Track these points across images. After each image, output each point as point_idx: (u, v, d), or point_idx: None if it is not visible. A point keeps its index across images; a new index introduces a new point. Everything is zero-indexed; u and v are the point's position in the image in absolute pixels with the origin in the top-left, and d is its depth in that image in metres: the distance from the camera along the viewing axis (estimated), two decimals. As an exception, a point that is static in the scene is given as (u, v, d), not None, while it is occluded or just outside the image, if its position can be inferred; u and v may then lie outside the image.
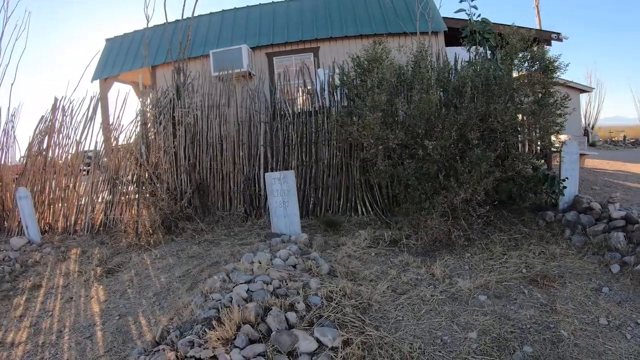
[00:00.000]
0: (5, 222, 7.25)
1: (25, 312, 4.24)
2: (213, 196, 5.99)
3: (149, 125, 6.03)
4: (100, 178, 6.40)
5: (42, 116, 6.85)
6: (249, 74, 6.96)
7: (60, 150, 6.63)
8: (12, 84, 7.21)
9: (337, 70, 6.06)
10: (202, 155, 5.96)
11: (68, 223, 6.58)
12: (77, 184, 6.59)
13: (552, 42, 7.86)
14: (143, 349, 2.81)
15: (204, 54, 7.22)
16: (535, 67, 5.19)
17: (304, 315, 2.86)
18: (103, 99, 7.55)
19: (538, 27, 13.11)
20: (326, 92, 5.98)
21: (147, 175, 5.90)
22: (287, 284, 3.34)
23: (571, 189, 5.14)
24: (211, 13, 8.49)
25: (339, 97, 5.94)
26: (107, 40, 8.90)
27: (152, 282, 4.61)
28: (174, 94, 6.02)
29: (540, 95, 5.20)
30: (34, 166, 6.81)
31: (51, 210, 6.75)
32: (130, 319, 3.85)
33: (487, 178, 4.43)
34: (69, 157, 6.60)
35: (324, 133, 5.86)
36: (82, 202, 6.54)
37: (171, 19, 8.22)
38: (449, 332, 2.79)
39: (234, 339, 2.54)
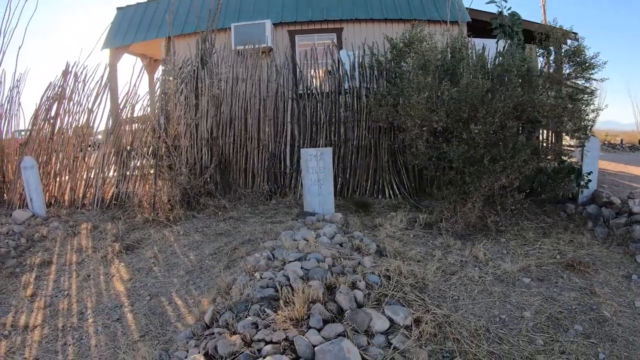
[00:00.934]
0: (5, 195, 6.59)
1: (37, 291, 3.72)
2: (235, 172, 5.55)
3: (169, 95, 5.54)
4: (112, 149, 5.86)
5: (51, 82, 6.20)
6: (270, 50, 6.54)
7: (70, 119, 6.03)
8: (19, 47, 6.49)
9: (366, 51, 5.76)
10: (226, 129, 5.51)
11: (76, 196, 5.98)
12: (87, 155, 6.03)
13: (568, 41, 7.76)
14: (191, 333, 2.48)
15: (224, 27, 6.72)
16: (572, 63, 5.09)
17: (369, 294, 2.66)
18: (112, 68, 6.95)
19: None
20: (357, 72, 5.66)
21: (165, 147, 5.42)
22: (341, 262, 3.10)
23: (592, 183, 5.11)
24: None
25: (369, 78, 5.64)
26: (119, 9, 8.24)
27: (180, 259, 4.17)
28: (197, 64, 5.56)
29: (573, 90, 5.11)
30: (40, 135, 6.20)
31: (57, 182, 6.15)
32: (164, 299, 3.39)
33: (528, 165, 4.32)
34: (79, 126, 6.02)
35: (352, 113, 5.55)
36: (92, 175, 5.98)
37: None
38: (504, 311, 2.77)
39: (305, 319, 2.28)
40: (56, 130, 6.07)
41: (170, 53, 5.50)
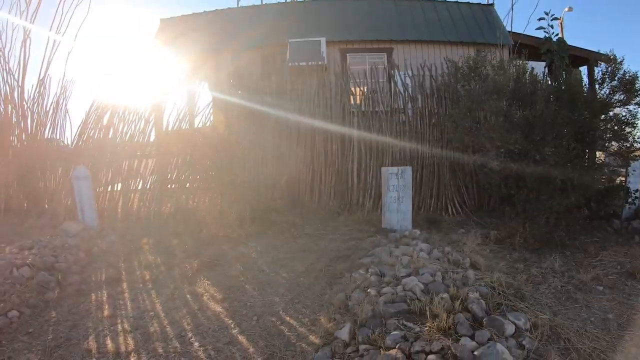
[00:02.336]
0: (46, 204, 6.01)
1: (115, 312, 3.21)
2: (301, 189, 5.29)
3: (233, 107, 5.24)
4: (173, 161, 5.46)
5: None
6: (325, 67, 6.33)
7: (126, 127, 5.57)
8: (69, 52, 5.99)
9: (424, 72, 5.66)
10: (294, 145, 5.24)
11: (130, 209, 5.54)
12: (143, 166, 5.58)
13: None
14: (331, 352, 2.38)
15: (283, 42, 6.43)
16: (625, 90, 5.22)
17: (487, 303, 2.75)
18: None
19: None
20: (418, 92, 5.55)
21: (227, 161, 5.10)
22: (450, 275, 3.13)
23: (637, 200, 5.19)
24: (285, 2, 7.70)
25: (430, 99, 5.55)
26: (162, 20, 7.82)
27: (272, 277, 3.82)
28: (261, 78, 5.29)
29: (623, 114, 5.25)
30: (90, 143, 5.71)
31: (107, 193, 5.66)
32: (274, 319, 3.01)
33: (594, 185, 4.48)
34: (134, 135, 5.57)
35: (416, 132, 5.42)
36: (148, 186, 5.54)
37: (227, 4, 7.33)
38: (591, 314, 2.95)
39: (450, 328, 2.36)
40: (110, 137, 5.59)
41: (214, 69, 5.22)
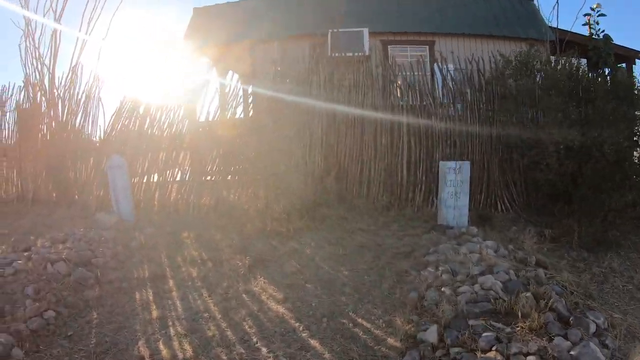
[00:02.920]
0: (76, 195, 5.69)
1: (165, 313, 2.91)
2: (349, 182, 5.00)
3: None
4: (213, 152, 5.15)
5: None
6: (367, 58, 6.04)
7: (164, 116, 5.25)
8: (103, 39, 5.66)
9: (470, 66, 5.40)
10: (342, 137, 4.95)
11: (167, 201, 5.22)
12: (182, 157, 5.26)
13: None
14: (420, 355, 2.23)
15: (319, 32, 6.13)
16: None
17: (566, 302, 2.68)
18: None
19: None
20: (467, 87, 5.29)
21: (277, 152, 4.80)
22: (524, 274, 2.99)
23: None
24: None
25: (478, 93, 5.29)
26: (195, 9, 7.51)
27: (333, 275, 3.51)
28: (308, 67, 4.99)
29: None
30: (125, 132, 5.39)
31: (142, 184, 5.34)
32: (345, 320, 2.72)
33: None
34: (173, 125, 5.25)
35: (466, 127, 5.16)
36: (186, 178, 5.22)
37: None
38: None
39: (540, 327, 2.28)
40: (146, 126, 5.27)
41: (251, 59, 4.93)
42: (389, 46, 6.65)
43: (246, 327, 2.71)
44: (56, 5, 5.74)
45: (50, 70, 5.78)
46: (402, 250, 3.94)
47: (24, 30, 5.86)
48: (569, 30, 6.12)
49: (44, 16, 5.72)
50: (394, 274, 3.48)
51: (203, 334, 2.63)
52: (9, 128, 6.12)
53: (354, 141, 4.87)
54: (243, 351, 2.45)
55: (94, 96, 5.54)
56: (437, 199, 5.00)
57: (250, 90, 5.21)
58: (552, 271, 3.24)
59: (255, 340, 2.56)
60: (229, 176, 4.90)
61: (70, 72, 5.70)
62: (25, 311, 2.71)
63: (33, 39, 5.77)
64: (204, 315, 2.88)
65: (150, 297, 3.18)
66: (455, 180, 4.34)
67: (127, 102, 5.37)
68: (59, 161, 5.70)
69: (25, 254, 3.50)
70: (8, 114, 6.05)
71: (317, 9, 6.57)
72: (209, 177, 5.01)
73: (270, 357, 2.40)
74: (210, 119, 5.15)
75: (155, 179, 5.25)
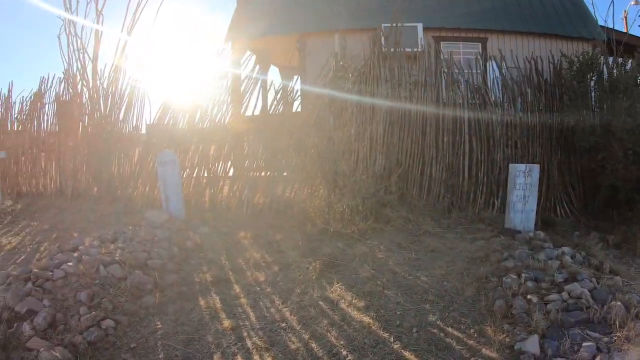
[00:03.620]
0: (118, 190, 5.67)
1: (237, 323, 2.77)
2: (409, 183, 5.00)
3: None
4: (268, 147, 5.12)
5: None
6: (420, 55, 6.02)
7: (215, 109, 5.21)
8: (148, 31, 5.62)
9: (532, 66, 5.38)
10: (405, 136, 4.94)
11: (218, 198, 5.21)
12: (233, 151, 5.23)
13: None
14: None
15: (371, 26, 6.11)
16: None
17: None
18: (236, 62, 6.17)
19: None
20: (527, 86, 5.29)
21: (338, 151, 4.79)
22: (605, 282, 2.99)
23: None
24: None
25: (540, 93, 5.29)
26: (239, 0, 7.44)
27: (410, 281, 3.43)
28: (369, 63, 4.99)
29: None
30: (173, 126, 5.35)
31: (192, 180, 5.32)
32: (435, 330, 2.67)
33: None
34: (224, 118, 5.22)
35: (527, 129, 5.17)
36: (238, 174, 5.21)
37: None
38: None
39: (637, 336, 2.26)
40: (196, 119, 5.24)
41: (299, 54, 4.91)
42: (441, 42, 6.62)
43: (332, 338, 2.62)
44: None
45: (93, 62, 5.74)
46: (475, 255, 3.93)
47: (64, 20, 5.81)
48: (618, 30, 6.10)
49: (86, 6, 5.65)
50: (474, 280, 3.45)
51: (285, 346, 2.51)
52: (47, 120, 6.09)
53: (415, 140, 4.86)
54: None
55: (139, 88, 5.48)
56: (497, 200, 5.03)
57: (299, 84, 5.19)
58: (625, 278, 3.24)
59: (345, 353, 2.45)
60: (285, 172, 4.88)
61: (114, 63, 5.65)
62: (80, 320, 2.58)
63: (75, 30, 5.72)
64: (281, 325, 2.77)
65: (218, 304, 3.06)
66: (524, 184, 4.36)
67: (175, 95, 5.33)
68: (101, 155, 5.69)
69: (75, 254, 3.38)
70: (47, 105, 6.01)
71: (369, 1, 6.52)
72: (262, 173, 4.98)
73: (367, 373, 2.26)
74: (265, 111, 5.12)
75: (205, 175, 5.21)
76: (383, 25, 5.81)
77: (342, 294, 3.22)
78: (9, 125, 6.29)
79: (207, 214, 4.97)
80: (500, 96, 5.20)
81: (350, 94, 4.76)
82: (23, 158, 6.21)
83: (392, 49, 4.88)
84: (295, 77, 6.39)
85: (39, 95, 6.02)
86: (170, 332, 2.68)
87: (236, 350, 2.46)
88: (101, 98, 5.69)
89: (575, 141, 5.14)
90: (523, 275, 3.14)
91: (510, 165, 4.30)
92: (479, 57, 5.31)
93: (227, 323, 2.76)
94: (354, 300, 3.11)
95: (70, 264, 3.13)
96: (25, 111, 6.15)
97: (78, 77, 5.83)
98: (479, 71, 5.45)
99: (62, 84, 5.96)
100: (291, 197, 4.89)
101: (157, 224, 4.45)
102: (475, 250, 4.05)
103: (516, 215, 4.41)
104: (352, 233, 4.32)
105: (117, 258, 3.34)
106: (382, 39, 5.40)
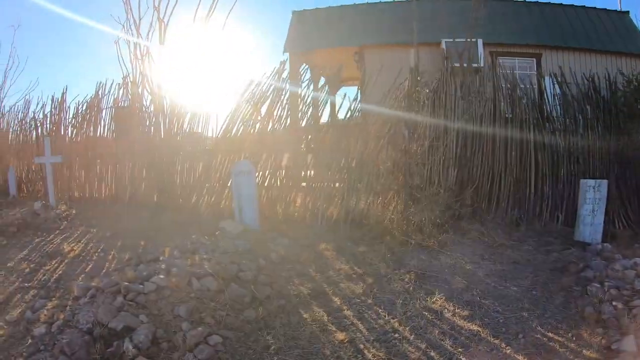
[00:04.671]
0: (180, 199, 5.97)
1: (350, 335, 2.90)
2: (480, 196, 5.47)
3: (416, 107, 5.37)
4: (342, 157, 5.51)
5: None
6: (480, 70, 6.49)
7: (285, 112, 5.52)
8: (216, 36, 5.92)
9: (588, 83, 5.93)
10: (476, 150, 5.41)
11: (289, 210, 5.58)
12: (308, 160, 5.59)
13: None
14: None
15: (431, 41, 6.57)
16: None
17: None
18: (294, 73, 6.54)
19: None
20: (587, 103, 5.82)
21: (414, 164, 5.23)
22: None
23: None
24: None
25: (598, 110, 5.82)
26: (295, 12, 7.80)
27: (501, 291, 3.77)
28: (442, 79, 5.45)
29: None
30: (243, 134, 5.67)
31: (263, 190, 5.65)
32: (537, 335, 3.03)
33: None
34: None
35: (587, 145, 5.70)
36: (313, 185, 5.58)
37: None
38: None
39: None
40: (269, 128, 5.58)
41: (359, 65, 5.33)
42: (498, 57, 7.13)
43: (447, 346, 2.86)
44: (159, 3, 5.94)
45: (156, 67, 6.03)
46: (554, 266, 4.37)
47: (123, 25, 6.08)
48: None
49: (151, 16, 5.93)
50: (559, 289, 3.81)
51: (406, 356, 2.69)
52: (104, 126, 6.35)
53: (485, 154, 5.33)
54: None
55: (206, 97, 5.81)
56: (561, 214, 5.53)
57: (358, 99, 5.58)
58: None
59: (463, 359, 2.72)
60: (359, 184, 5.27)
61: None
62: (185, 337, 2.55)
63: (138, 32, 5.99)
64: (394, 335, 2.94)
65: (324, 317, 3.18)
66: (593, 198, 4.86)
67: (244, 103, 5.66)
68: (163, 163, 5.96)
69: (163, 266, 3.44)
70: (104, 111, 6.28)
71: (426, 16, 6.98)
72: (336, 184, 5.37)
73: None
74: (335, 122, 5.51)
75: (277, 185, 5.56)
76: (444, 40, 6.29)
77: (443, 304, 3.52)
78: (62, 130, 6.52)
79: (281, 225, 5.21)
80: (562, 113, 5.69)
81: (424, 108, 5.17)
82: (77, 163, 6.44)
83: (462, 64, 5.30)
84: (343, 87, 6.72)
85: (95, 100, 6.28)
86: (283, 347, 2.74)
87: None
88: (165, 104, 5.97)
89: (630, 157, 5.67)
90: (606, 284, 3.54)
91: (581, 180, 4.78)
92: (540, 73, 5.78)
93: (341, 336, 2.88)
94: (456, 310, 3.42)
95: (161, 276, 3.19)
96: (81, 115, 6.38)
97: (139, 83, 6.11)
98: (535, 86, 5.95)
99: (122, 89, 6.23)
100: (365, 209, 5.28)
101: (233, 235, 4.65)
102: (552, 261, 4.50)
103: (585, 228, 4.91)
104: (433, 245, 4.72)
105: (209, 270, 3.37)
106: (444, 52, 5.86)
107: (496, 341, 2.98)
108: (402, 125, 5.24)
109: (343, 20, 7.35)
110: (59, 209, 6.11)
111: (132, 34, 6.10)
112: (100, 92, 6.36)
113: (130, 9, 6.04)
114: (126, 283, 3.08)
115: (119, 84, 6.29)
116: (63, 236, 5.34)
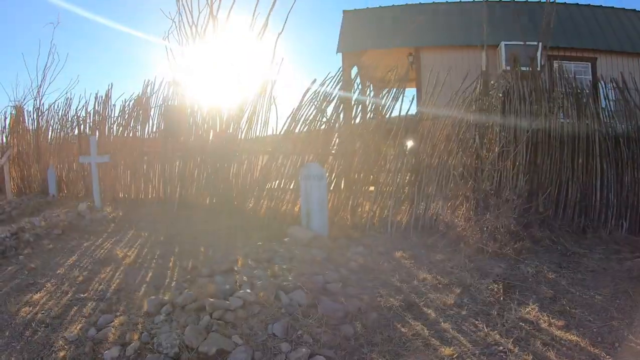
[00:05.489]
0: (235, 202, 6.02)
1: (456, 349, 2.96)
2: (546, 203, 5.70)
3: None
4: (406, 162, 5.67)
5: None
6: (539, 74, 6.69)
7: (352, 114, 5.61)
8: (279, 34, 5.95)
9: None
10: (545, 157, 5.63)
11: (357, 215, 5.72)
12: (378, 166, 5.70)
13: None
14: None
15: (489, 43, 6.72)
16: None
17: None
18: (346, 73, 6.63)
19: None
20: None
21: (485, 170, 5.42)
22: None
23: None
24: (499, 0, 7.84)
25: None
26: (346, 12, 7.85)
27: (587, 300, 3.85)
28: (512, 82, 5.65)
29: None
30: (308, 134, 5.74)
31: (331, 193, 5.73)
32: (632, 344, 3.14)
33: None
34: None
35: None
36: (381, 190, 5.71)
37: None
38: None
39: None
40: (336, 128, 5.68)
41: (414, 67, 5.50)
42: (554, 61, 7.34)
43: (552, 357, 2.98)
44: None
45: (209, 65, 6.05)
46: (630, 275, 4.60)
47: (176, 23, 6.08)
48: None
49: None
50: None
51: None
52: (152, 125, 6.36)
53: (553, 161, 5.55)
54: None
55: (265, 93, 5.84)
56: (625, 222, 5.80)
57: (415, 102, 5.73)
58: None
59: None
60: (430, 188, 5.44)
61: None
62: (287, 358, 2.55)
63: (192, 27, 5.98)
64: (498, 348, 3.04)
65: (424, 331, 3.26)
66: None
67: (307, 102, 5.74)
68: (218, 164, 6.01)
69: (244, 277, 3.40)
70: (152, 109, 6.28)
71: (478, 18, 7.14)
72: (406, 189, 5.53)
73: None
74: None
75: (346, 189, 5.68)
76: (504, 43, 6.47)
77: (537, 314, 3.64)
78: (106, 130, 6.50)
79: (349, 232, 5.35)
80: (625, 119, 5.94)
81: (495, 112, 5.36)
82: (122, 163, 6.44)
83: (534, 68, 5.49)
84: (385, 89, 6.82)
85: (142, 98, 6.27)
86: None
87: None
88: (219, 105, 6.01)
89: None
90: None
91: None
92: (601, 78, 6.01)
93: (447, 350, 2.96)
94: (552, 320, 3.55)
95: (248, 290, 3.11)
96: (127, 113, 6.38)
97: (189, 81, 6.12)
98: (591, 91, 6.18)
99: (171, 88, 6.24)
100: (434, 215, 5.45)
101: (304, 242, 4.75)
102: (627, 270, 4.70)
103: (645, 236, 5.17)
104: (509, 253, 4.92)
105: (297, 283, 3.35)
106: (503, 56, 6.04)
107: (596, 350, 3.13)
108: (473, 129, 5.41)
109: (395, 21, 7.48)
110: (105, 210, 6.11)
111: (184, 29, 6.08)
112: (148, 90, 6.35)
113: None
114: (211, 299, 2.94)
115: (169, 82, 6.29)
116: (113, 240, 5.34)
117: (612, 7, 8.18)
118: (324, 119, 5.72)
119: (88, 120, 6.78)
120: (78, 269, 4.29)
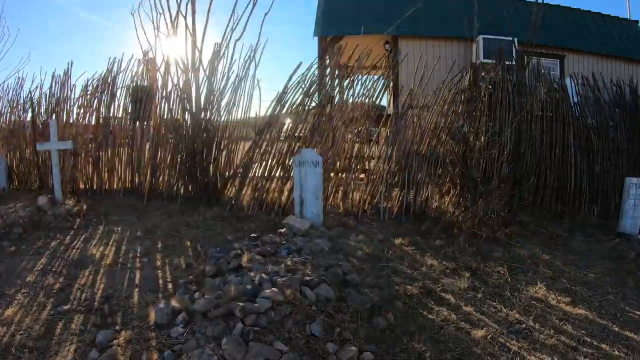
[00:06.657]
0: (215, 191, 5.93)
1: (484, 331, 3.18)
2: (528, 190, 6.25)
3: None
4: (399, 149, 5.98)
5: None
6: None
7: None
8: (265, 14, 5.92)
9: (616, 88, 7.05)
10: (527, 147, 6.19)
11: (347, 202, 5.91)
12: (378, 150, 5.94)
13: None
14: None
15: (465, 36, 7.17)
16: None
17: None
18: (322, 59, 6.78)
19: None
20: (616, 108, 6.92)
21: (474, 158, 5.86)
22: None
23: None
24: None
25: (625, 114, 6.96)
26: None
27: (582, 277, 4.41)
28: (503, 75, 6.16)
29: None
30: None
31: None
32: (630, 314, 3.74)
33: None
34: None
35: (617, 145, 6.77)
36: (372, 177, 5.96)
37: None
38: None
39: None
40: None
41: (391, 54, 5.94)
42: (525, 57, 8.01)
43: (570, 330, 3.39)
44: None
45: (200, 49, 5.91)
46: (612, 254, 5.23)
47: None
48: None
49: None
50: (626, 274, 4.63)
51: (544, 344, 3.12)
52: (119, 106, 6.10)
53: (534, 151, 6.14)
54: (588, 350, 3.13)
55: (251, 76, 5.90)
56: (597, 208, 6.53)
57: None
58: None
59: (589, 340, 3.26)
60: (419, 176, 5.78)
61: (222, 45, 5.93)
62: (339, 358, 2.55)
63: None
64: (521, 326, 3.38)
65: (452, 315, 3.45)
66: (636, 194, 5.84)
67: (293, 86, 5.87)
68: (194, 151, 5.90)
69: (264, 276, 3.27)
70: (118, 90, 6.06)
71: (461, 11, 7.66)
72: (396, 178, 5.83)
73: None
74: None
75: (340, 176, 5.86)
76: (482, 36, 7.03)
77: (544, 293, 4.06)
78: (65, 111, 6.13)
79: (344, 219, 5.53)
80: (594, 114, 6.71)
81: (483, 103, 5.82)
82: (83, 149, 6.11)
83: (520, 62, 6.04)
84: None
85: (107, 78, 6.02)
86: (434, 352, 2.88)
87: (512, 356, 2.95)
88: (203, 83, 5.86)
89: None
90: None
91: (626, 178, 5.77)
92: (573, 75, 6.75)
93: (479, 332, 3.17)
94: (559, 297, 4.00)
95: (275, 289, 3.00)
96: (89, 95, 6.07)
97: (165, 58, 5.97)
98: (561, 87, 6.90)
99: (141, 66, 6.04)
100: (424, 202, 5.79)
101: (302, 232, 4.82)
102: (608, 251, 5.36)
103: (627, 221, 5.89)
104: (501, 237, 5.36)
105: (322, 277, 3.36)
106: (481, 48, 6.58)
107: (603, 322, 3.60)
108: (462, 118, 5.82)
109: (373, 7, 7.78)
110: (67, 203, 5.71)
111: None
112: (114, 69, 6.09)
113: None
114: (240, 303, 2.76)
115: (139, 59, 6.08)
116: (83, 237, 5.01)
117: (579, 9, 9.19)
118: (312, 104, 5.86)
119: (43, 103, 6.34)
120: (51, 274, 3.89)
